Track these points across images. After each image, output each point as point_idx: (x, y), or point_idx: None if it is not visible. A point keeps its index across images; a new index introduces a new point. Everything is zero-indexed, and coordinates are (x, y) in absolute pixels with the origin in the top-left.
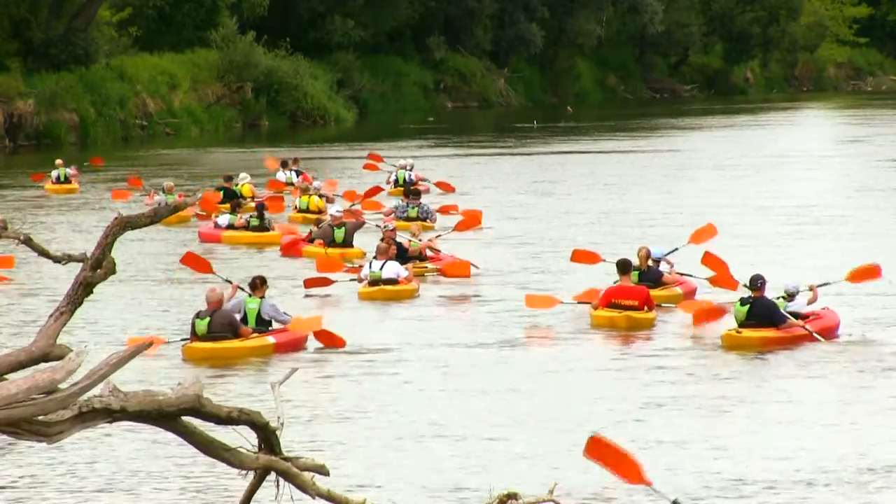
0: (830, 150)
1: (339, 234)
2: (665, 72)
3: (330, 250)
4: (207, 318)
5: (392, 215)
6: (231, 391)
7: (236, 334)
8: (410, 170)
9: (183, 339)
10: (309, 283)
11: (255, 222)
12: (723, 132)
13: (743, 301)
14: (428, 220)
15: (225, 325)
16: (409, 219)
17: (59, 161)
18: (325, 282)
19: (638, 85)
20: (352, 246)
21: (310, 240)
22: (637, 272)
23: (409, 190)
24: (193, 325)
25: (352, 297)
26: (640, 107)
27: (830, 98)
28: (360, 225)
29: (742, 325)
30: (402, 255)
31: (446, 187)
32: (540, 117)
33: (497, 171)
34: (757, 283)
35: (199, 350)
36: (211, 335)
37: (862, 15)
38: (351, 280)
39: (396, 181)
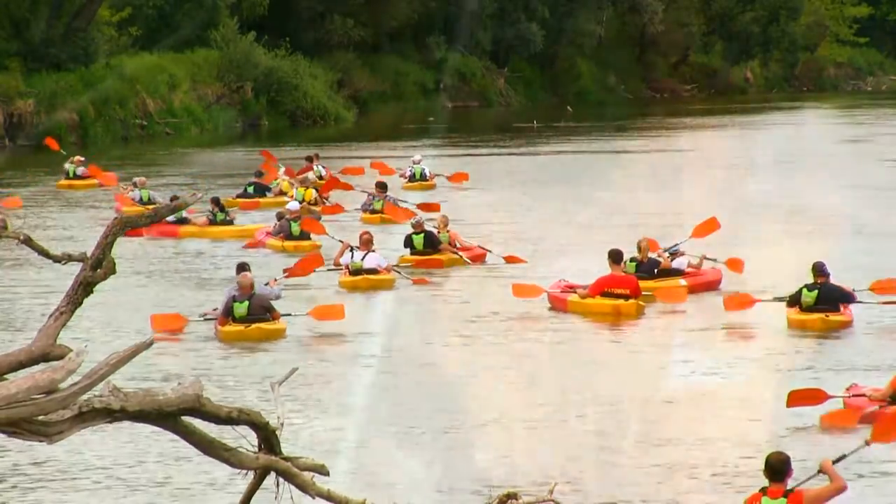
0: (830, 150)
1: (296, 227)
2: (665, 72)
3: (286, 243)
4: (246, 302)
5: (364, 206)
6: (231, 389)
7: (272, 316)
8: (418, 163)
9: (207, 318)
10: (288, 273)
11: (220, 216)
12: (723, 132)
13: (810, 287)
14: None
15: (262, 307)
16: (374, 211)
17: (77, 158)
18: (304, 270)
19: (638, 85)
20: (308, 239)
21: (274, 233)
22: (634, 263)
23: (378, 183)
24: (230, 308)
25: (332, 287)
26: (640, 107)
27: (830, 98)
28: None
29: (810, 309)
30: (433, 245)
31: (459, 178)
32: (540, 117)
33: (497, 170)
34: (823, 269)
35: (238, 332)
36: (250, 317)
37: (862, 15)
38: (329, 270)
39: (413, 176)
